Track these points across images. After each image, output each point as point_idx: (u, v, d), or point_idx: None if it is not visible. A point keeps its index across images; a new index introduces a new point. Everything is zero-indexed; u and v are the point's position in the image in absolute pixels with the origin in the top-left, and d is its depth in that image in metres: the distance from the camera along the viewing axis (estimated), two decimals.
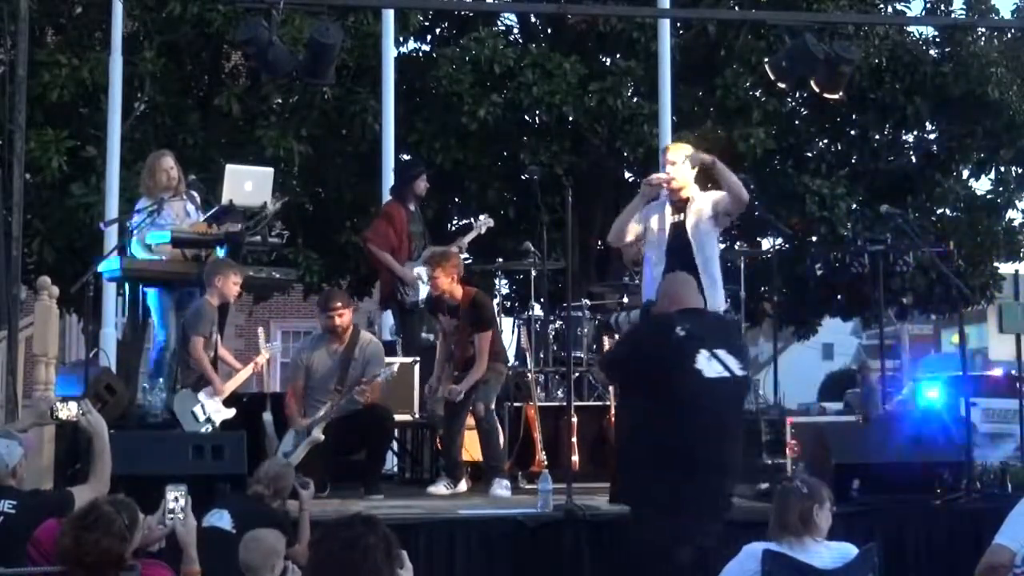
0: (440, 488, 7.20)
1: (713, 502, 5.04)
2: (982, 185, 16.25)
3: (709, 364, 4.97)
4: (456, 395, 7.20)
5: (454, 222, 14.91)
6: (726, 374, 4.98)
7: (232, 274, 7.04)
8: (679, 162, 6.64)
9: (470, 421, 7.43)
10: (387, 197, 9.97)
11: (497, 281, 10.81)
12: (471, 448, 7.52)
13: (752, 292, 12.30)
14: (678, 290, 5.41)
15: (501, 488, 7.05)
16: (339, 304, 7.39)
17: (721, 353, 5.01)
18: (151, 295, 7.62)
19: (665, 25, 11.45)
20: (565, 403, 7.48)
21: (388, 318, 9.55)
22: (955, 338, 17.99)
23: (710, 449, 4.98)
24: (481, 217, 9.23)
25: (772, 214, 10.74)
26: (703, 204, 6.63)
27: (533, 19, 15.28)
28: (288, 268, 9.80)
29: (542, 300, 8.88)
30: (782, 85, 9.43)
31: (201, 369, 6.95)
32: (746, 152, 13.21)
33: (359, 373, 7.23)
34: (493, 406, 7.35)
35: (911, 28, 15.36)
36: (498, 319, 8.02)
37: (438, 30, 15.41)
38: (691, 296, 5.37)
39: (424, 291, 8.31)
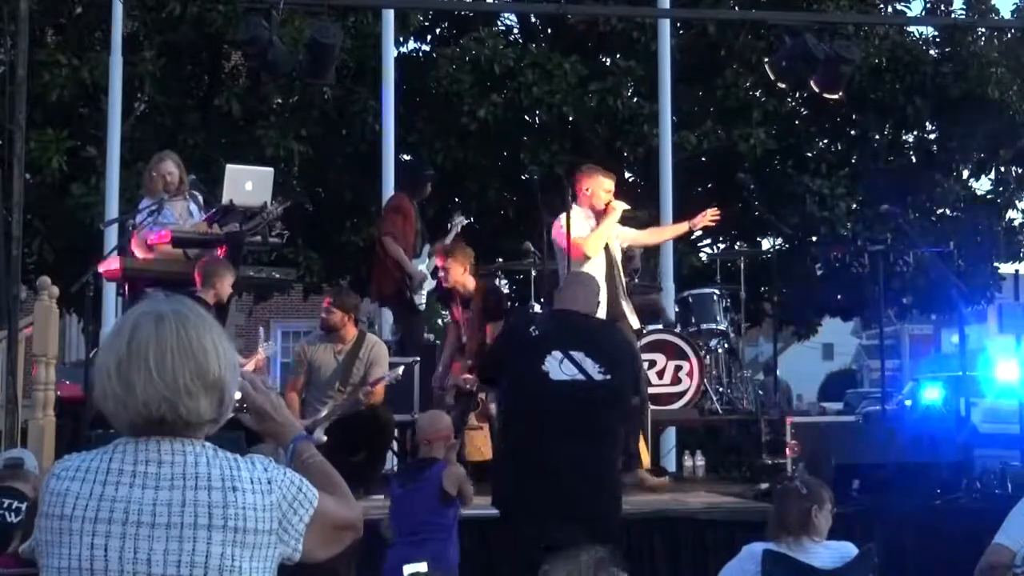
0: None
1: (566, 509, 4.70)
2: (982, 185, 16.29)
3: (560, 366, 4.81)
4: (473, 383, 7.19)
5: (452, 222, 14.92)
6: (579, 377, 4.78)
7: (229, 275, 7.06)
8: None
9: (472, 420, 7.44)
10: (387, 196, 9.97)
11: (497, 281, 10.81)
12: (472, 448, 7.52)
13: (752, 292, 12.31)
14: (564, 288, 5.33)
15: None
16: (330, 301, 7.50)
17: (578, 355, 4.81)
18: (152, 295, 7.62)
19: (665, 25, 11.44)
20: None
21: (388, 318, 9.55)
22: (955, 338, 17.99)
23: (556, 452, 4.77)
24: (458, 217, 9.23)
25: (772, 214, 10.73)
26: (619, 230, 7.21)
27: (533, 19, 15.28)
28: (288, 268, 9.80)
29: (542, 300, 8.88)
30: (782, 85, 9.45)
31: None
32: (746, 152, 13.22)
33: (361, 374, 7.24)
34: None
35: (911, 28, 15.38)
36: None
37: (438, 30, 15.41)
38: (572, 296, 5.19)
39: (429, 287, 8.36)
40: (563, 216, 7.00)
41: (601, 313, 6.44)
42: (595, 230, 7.01)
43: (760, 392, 10.77)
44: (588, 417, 4.80)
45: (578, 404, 4.79)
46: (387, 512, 5.30)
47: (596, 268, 6.89)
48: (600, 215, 7.11)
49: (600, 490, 4.85)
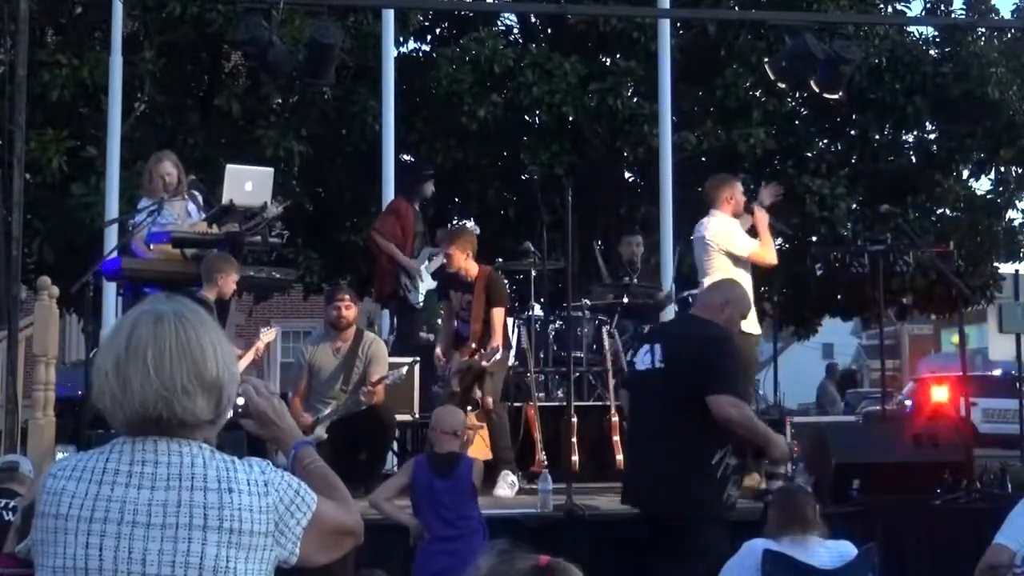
0: None
1: (643, 484, 5.29)
2: (982, 185, 16.28)
3: (643, 357, 5.33)
4: (492, 355, 7.20)
5: (454, 222, 14.92)
6: (650, 366, 5.24)
7: (233, 272, 7.06)
8: None
9: (472, 419, 7.42)
10: (388, 197, 10.00)
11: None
12: (472, 448, 7.50)
13: (752, 292, 12.30)
14: (701, 293, 5.92)
15: (506, 486, 7.03)
16: (346, 296, 7.46)
17: (657, 347, 5.27)
18: (151, 295, 7.61)
19: (665, 25, 11.44)
20: (565, 403, 7.48)
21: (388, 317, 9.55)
22: (955, 338, 17.98)
23: (635, 431, 5.60)
24: (468, 225, 9.24)
25: (772, 214, 10.70)
26: None
27: (533, 19, 15.28)
28: (288, 268, 9.80)
29: (542, 300, 8.87)
30: (782, 85, 9.45)
31: None
32: (746, 152, 13.21)
33: (362, 373, 7.24)
34: (500, 398, 7.38)
35: (911, 28, 15.37)
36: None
37: (438, 30, 15.41)
38: (706, 302, 5.53)
39: (425, 287, 8.35)
40: (714, 219, 7.39)
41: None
42: (763, 241, 7.47)
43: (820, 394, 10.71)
44: (651, 402, 5.31)
45: (645, 390, 5.36)
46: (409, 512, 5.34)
47: (746, 277, 7.28)
48: (741, 218, 7.51)
49: (664, 470, 5.11)
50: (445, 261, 7.50)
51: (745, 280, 7.30)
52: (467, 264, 7.43)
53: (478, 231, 9.22)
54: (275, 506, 2.15)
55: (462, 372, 7.32)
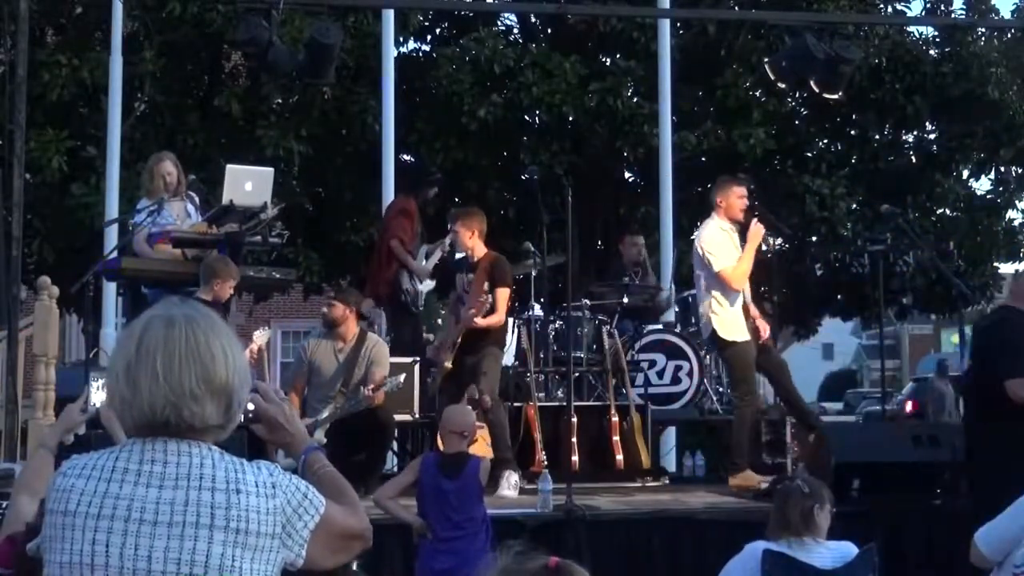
0: None
1: None
2: (982, 185, 16.27)
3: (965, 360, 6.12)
4: (485, 304, 7.19)
5: None
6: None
7: (230, 277, 7.05)
8: None
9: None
10: (388, 196, 9.99)
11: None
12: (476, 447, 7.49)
13: (752, 292, 12.29)
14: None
15: (509, 486, 7.00)
16: (332, 294, 7.49)
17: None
18: (151, 295, 7.61)
19: (665, 25, 11.44)
20: (565, 403, 7.49)
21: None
22: (955, 338, 17.96)
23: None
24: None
25: (772, 214, 10.71)
26: None
27: (533, 19, 15.27)
28: (288, 268, 9.80)
29: (542, 300, 8.87)
30: (782, 85, 9.45)
31: None
32: (746, 152, 13.20)
33: (363, 373, 7.24)
34: (498, 395, 7.37)
35: (911, 28, 15.36)
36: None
37: (438, 30, 15.39)
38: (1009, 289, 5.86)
39: (426, 289, 8.36)
40: (708, 224, 7.43)
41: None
42: (742, 257, 7.32)
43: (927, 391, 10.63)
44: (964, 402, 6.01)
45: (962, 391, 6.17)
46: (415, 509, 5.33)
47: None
48: (736, 224, 7.44)
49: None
50: (454, 238, 7.44)
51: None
52: (473, 243, 7.42)
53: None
54: (282, 508, 2.15)
55: (454, 344, 7.25)
